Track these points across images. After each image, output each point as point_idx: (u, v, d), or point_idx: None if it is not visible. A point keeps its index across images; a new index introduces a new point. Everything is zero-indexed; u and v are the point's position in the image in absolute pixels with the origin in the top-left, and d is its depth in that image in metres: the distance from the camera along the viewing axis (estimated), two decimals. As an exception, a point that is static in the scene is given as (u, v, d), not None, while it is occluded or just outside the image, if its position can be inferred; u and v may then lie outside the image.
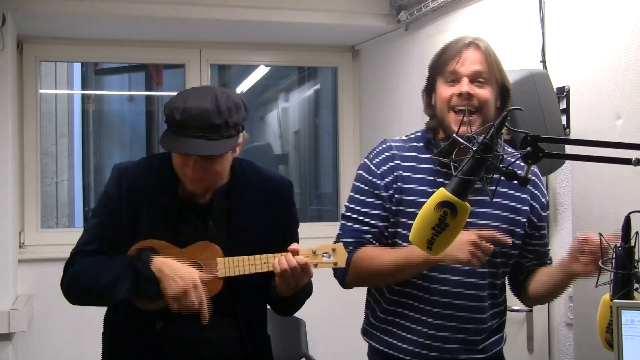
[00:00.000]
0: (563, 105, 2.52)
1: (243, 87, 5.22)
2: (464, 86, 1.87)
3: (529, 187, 1.97)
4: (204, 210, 2.02)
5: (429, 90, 1.99)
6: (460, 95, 1.87)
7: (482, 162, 1.45)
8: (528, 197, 1.97)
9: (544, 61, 2.62)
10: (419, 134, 2.05)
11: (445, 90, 1.91)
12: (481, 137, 1.42)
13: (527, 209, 1.96)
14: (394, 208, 1.96)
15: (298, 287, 1.96)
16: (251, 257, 1.94)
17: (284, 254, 1.93)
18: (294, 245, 1.94)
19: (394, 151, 2.00)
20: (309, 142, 5.24)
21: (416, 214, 1.93)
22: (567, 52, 2.52)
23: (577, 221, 2.47)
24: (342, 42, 4.35)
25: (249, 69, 4.96)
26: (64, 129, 5.97)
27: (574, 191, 2.50)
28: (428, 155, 1.97)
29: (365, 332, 2.11)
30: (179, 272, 1.88)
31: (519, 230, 1.95)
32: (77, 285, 1.97)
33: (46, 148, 5.61)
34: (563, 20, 2.55)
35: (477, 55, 1.89)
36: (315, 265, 1.94)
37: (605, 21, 2.32)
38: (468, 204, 1.47)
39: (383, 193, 1.97)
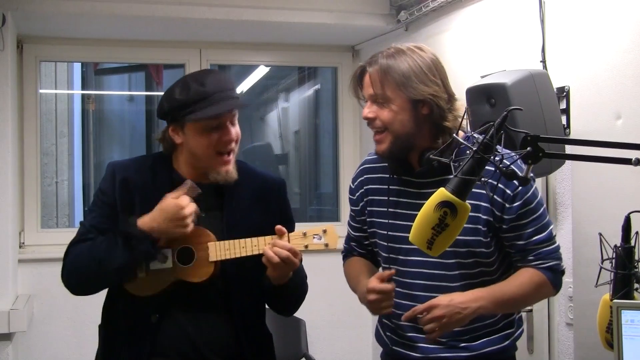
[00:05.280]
0: (563, 105, 2.52)
1: (243, 87, 5.21)
2: (365, 110, 1.95)
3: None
4: (197, 203, 2.00)
5: None
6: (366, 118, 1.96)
7: (482, 162, 1.45)
8: (485, 191, 1.89)
9: (544, 61, 2.62)
10: None
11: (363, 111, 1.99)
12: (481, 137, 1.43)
13: (487, 204, 1.90)
14: (368, 219, 2.08)
15: (289, 273, 1.98)
16: (242, 240, 1.96)
17: (274, 239, 1.94)
18: (280, 226, 1.96)
19: (365, 165, 2.12)
20: (309, 142, 5.24)
21: (382, 223, 2.03)
22: (567, 52, 2.52)
23: (577, 221, 2.47)
24: (342, 42, 4.35)
25: (249, 69, 4.96)
26: (64, 129, 5.96)
27: (574, 191, 2.50)
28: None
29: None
30: (166, 218, 1.90)
31: (481, 227, 1.90)
32: (76, 271, 1.99)
33: (46, 148, 5.61)
34: (563, 20, 2.55)
35: (370, 77, 1.91)
36: (306, 247, 1.95)
37: (606, 21, 2.32)
38: (468, 204, 1.47)
39: (354, 207, 2.14)
